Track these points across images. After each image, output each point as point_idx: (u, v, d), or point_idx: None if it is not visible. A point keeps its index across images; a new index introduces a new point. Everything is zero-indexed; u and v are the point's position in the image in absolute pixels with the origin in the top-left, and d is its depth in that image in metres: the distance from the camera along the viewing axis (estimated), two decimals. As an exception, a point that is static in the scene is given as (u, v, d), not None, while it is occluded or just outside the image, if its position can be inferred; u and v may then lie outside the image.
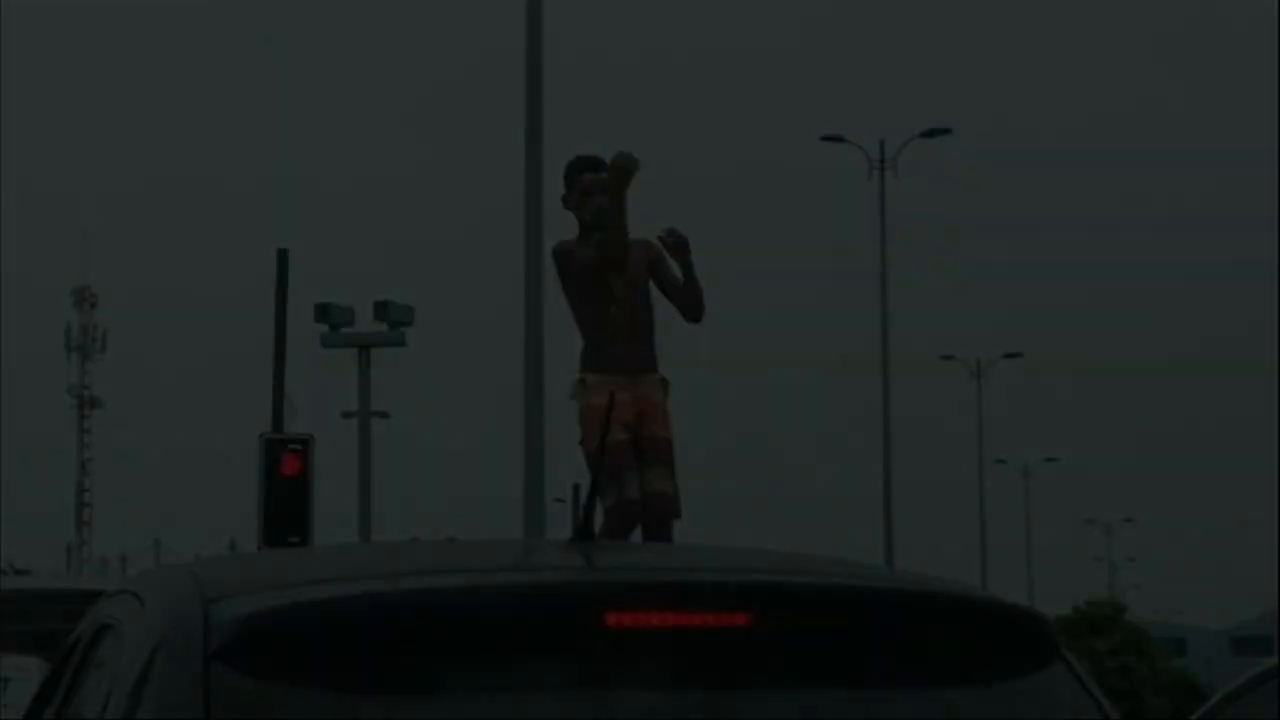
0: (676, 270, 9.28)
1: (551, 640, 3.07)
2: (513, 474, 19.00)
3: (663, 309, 9.39)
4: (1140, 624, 67.08)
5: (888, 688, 3.16)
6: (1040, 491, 78.83)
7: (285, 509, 20.34)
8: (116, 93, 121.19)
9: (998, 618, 3.29)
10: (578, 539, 3.58)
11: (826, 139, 44.71)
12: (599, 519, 8.72)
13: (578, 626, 3.06)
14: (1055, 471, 75.42)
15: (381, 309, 26.84)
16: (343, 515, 27.13)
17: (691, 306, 9.29)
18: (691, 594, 3.15)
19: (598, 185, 9.11)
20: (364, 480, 27.19)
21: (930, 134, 44.60)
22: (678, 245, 9.26)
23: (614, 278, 9.06)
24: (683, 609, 3.08)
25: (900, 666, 3.17)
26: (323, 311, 26.64)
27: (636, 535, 8.87)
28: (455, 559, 3.60)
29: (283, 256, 23.23)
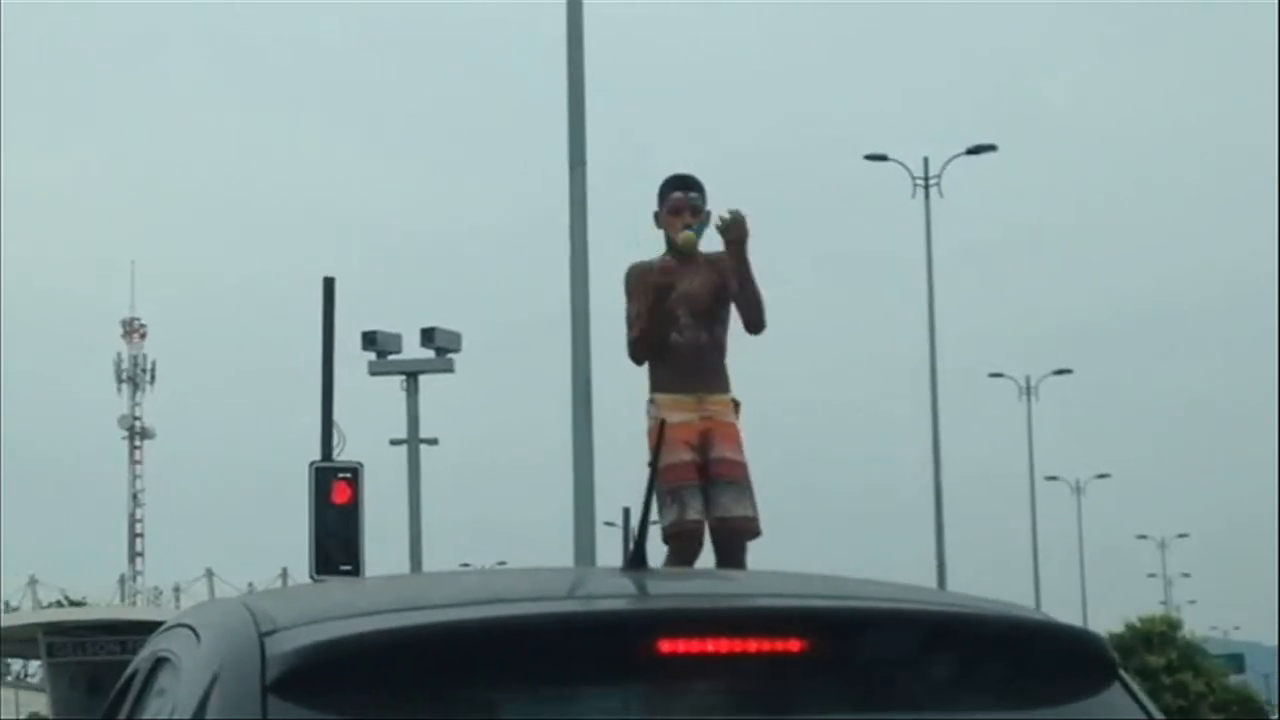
0: (732, 280, 9.10)
1: (606, 668, 3.07)
2: (562, 498, 19.02)
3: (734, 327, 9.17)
4: (1196, 640, 66.56)
5: (944, 712, 3.15)
6: (1092, 508, 78.37)
7: (336, 537, 20.39)
8: (165, 126, 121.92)
9: (1055, 640, 3.27)
10: (631, 565, 3.57)
11: (870, 158, 44.64)
12: (661, 541, 8.67)
13: (632, 654, 3.05)
14: (1107, 487, 74.99)
15: (428, 335, 26.90)
16: (393, 542, 27.20)
17: (748, 317, 8.99)
18: (746, 620, 3.15)
19: (686, 205, 9.08)
20: (414, 507, 27.22)
21: (975, 151, 44.47)
22: (724, 229, 8.85)
23: (679, 305, 8.98)
24: (737, 635, 3.06)
25: (956, 691, 3.16)
26: (370, 339, 26.71)
27: (706, 556, 8.77)
28: (508, 588, 3.60)
29: (329, 285, 23.28)
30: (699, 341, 8.97)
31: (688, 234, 8.97)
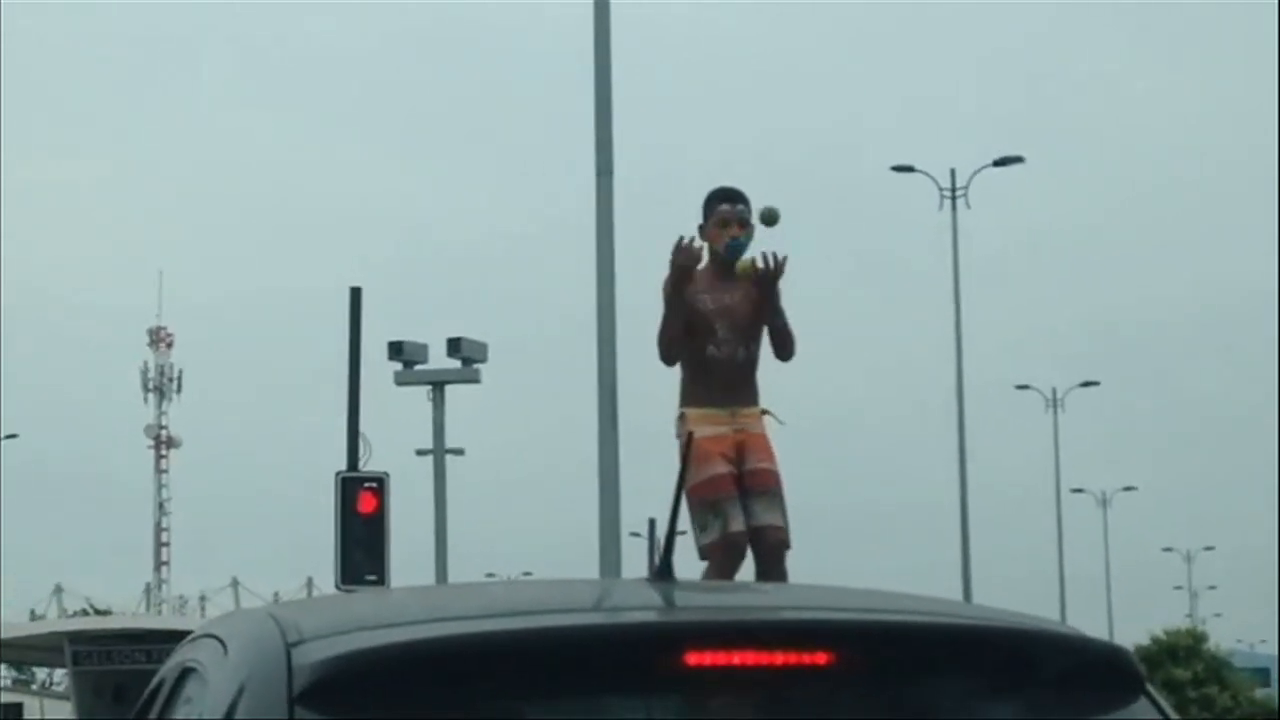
0: (765, 309, 9.08)
1: (632, 680, 3.07)
2: (588, 508, 19.03)
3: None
4: (1222, 653, 66.35)
5: (971, 726, 3.14)
6: (1118, 520, 78.17)
7: (362, 546, 20.41)
8: (189, 132, 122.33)
9: (1081, 654, 3.26)
10: (657, 577, 3.57)
11: (897, 169, 44.58)
12: (699, 557, 8.66)
13: (658, 666, 3.05)
14: (1133, 499, 74.83)
15: (455, 346, 26.93)
16: (419, 552, 27.22)
17: (778, 347, 9.08)
18: (774, 633, 3.14)
19: (734, 217, 9.07)
20: (440, 517, 27.26)
21: (1002, 162, 44.41)
22: (761, 274, 8.94)
23: (718, 319, 8.97)
24: (764, 648, 3.06)
25: (982, 704, 3.15)
26: (396, 349, 26.76)
27: (747, 568, 8.76)
28: (534, 600, 3.61)
29: (356, 294, 23.33)
30: (735, 357, 8.95)
31: (745, 261, 9.01)
